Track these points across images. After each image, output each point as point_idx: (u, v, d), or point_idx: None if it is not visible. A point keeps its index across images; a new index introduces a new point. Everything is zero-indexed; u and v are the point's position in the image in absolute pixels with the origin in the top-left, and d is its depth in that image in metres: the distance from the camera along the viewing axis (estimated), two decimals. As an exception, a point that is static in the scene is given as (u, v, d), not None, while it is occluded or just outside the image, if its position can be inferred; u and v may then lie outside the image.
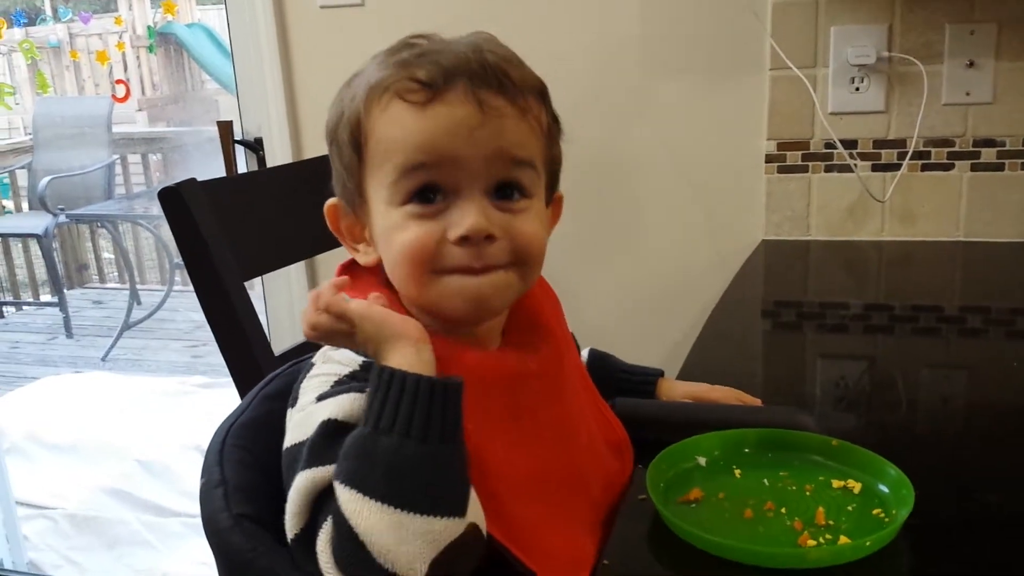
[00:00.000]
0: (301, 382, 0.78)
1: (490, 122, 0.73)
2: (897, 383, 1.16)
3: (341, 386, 0.73)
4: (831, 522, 0.75)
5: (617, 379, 1.03)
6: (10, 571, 2.57)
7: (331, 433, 0.69)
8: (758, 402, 0.98)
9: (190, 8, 6.92)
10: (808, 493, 0.80)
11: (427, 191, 0.74)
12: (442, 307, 0.76)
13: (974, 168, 1.64)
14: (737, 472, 0.85)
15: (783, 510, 0.78)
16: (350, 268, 0.82)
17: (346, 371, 0.75)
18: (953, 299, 1.52)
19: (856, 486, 0.80)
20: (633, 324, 1.86)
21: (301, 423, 0.73)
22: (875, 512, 0.76)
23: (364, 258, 0.81)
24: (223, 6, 2.05)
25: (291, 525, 0.69)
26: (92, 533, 2.88)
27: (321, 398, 0.73)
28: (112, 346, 4.68)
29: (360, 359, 0.75)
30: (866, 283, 1.65)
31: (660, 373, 1.04)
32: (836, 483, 0.81)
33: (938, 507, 0.78)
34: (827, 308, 1.49)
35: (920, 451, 0.93)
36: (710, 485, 0.82)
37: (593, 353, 1.06)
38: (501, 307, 0.80)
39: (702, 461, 0.86)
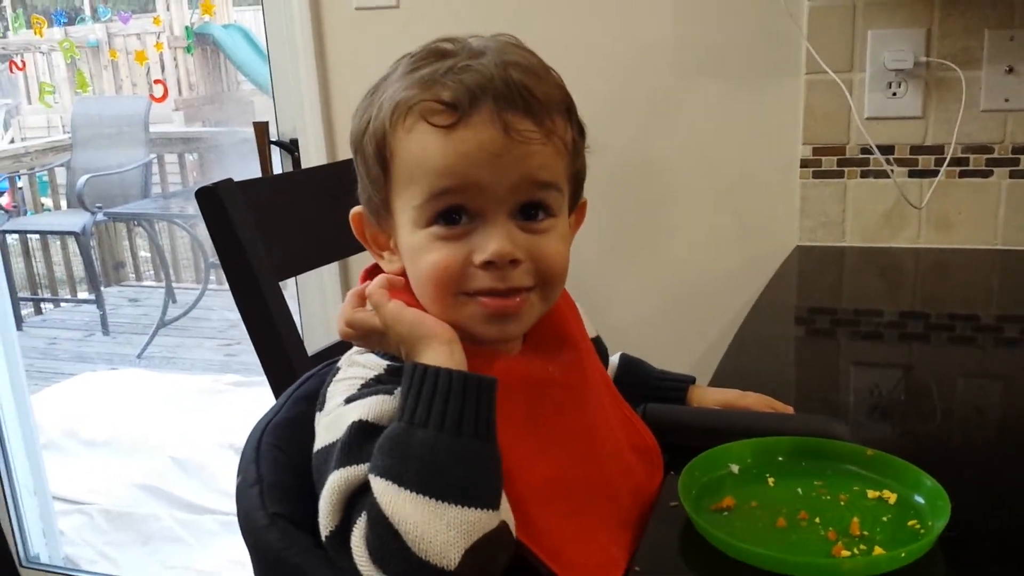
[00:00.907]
0: (328, 386, 0.79)
1: (515, 148, 0.73)
2: (932, 392, 1.15)
3: (367, 389, 0.75)
4: (866, 532, 0.75)
5: (648, 385, 1.03)
6: (47, 565, 2.61)
7: (362, 433, 0.71)
8: (790, 410, 0.97)
9: (226, 9, 6.98)
10: (842, 503, 0.80)
11: (452, 213, 0.75)
12: (465, 328, 0.76)
13: (1013, 175, 1.62)
14: (770, 480, 0.84)
15: (817, 520, 0.77)
16: (373, 273, 0.83)
17: (372, 374, 0.77)
18: (990, 308, 1.50)
19: (891, 497, 0.79)
20: (666, 329, 1.85)
21: (330, 426, 0.74)
22: (911, 523, 0.75)
23: (388, 266, 0.82)
24: (259, 7, 2.07)
25: (325, 524, 0.70)
26: (127, 529, 2.92)
27: (349, 400, 0.74)
28: (148, 344, 4.73)
29: (385, 363, 0.77)
30: (901, 290, 1.64)
31: (691, 380, 1.04)
32: (871, 493, 0.80)
33: (974, 519, 0.77)
34: (861, 315, 1.47)
35: (956, 462, 0.92)
36: (743, 493, 0.82)
37: (624, 358, 1.06)
38: (523, 330, 0.81)
39: (735, 469, 0.85)
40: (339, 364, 0.81)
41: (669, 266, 1.85)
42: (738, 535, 0.75)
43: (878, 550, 0.72)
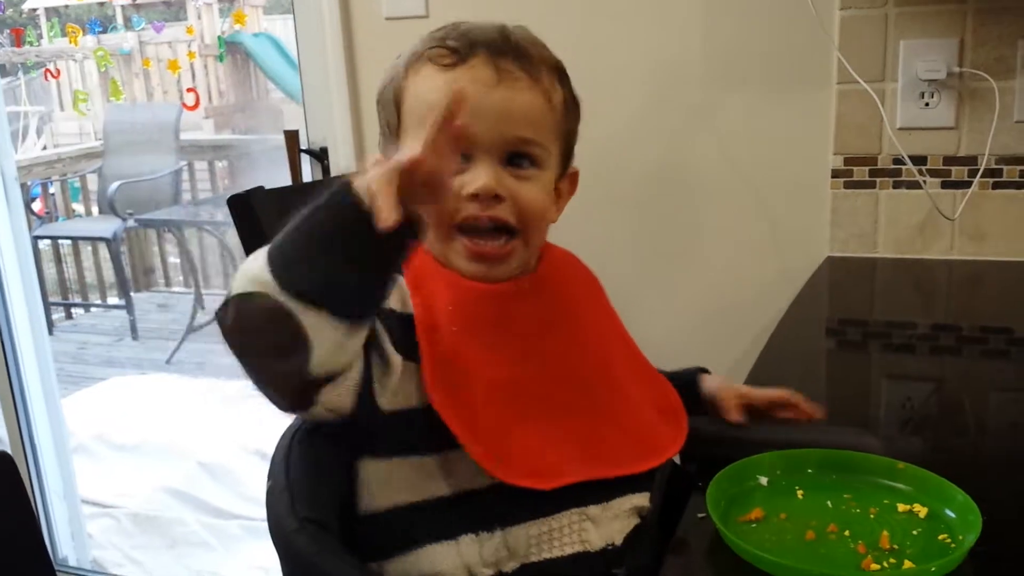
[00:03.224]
0: None
1: (504, 82, 0.84)
2: (965, 406, 1.14)
3: None
4: (895, 546, 0.74)
5: None
6: (75, 568, 2.63)
7: None
8: (817, 412, 0.96)
9: (257, 18, 7.03)
10: (872, 516, 0.79)
11: None
12: (452, 264, 0.87)
13: (1047, 187, 1.60)
14: (800, 493, 0.84)
15: (846, 533, 0.77)
16: None
17: None
18: (1023, 321, 1.49)
19: (922, 510, 0.79)
20: (695, 340, 1.84)
21: None
22: (941, 537, 0.75)
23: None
24: (290, 16, 2.08)
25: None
26: (154, 533, 2.93)
27: None
28: (176, 349, 4.77)
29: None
30: (934, 302, 1.62)
31: (698, 371, 1.05)
32: (901, 507, 0.80)
33: (1006, 534, 0.76)
34: (893, 327, 1.46)
35: (988, 476, 0.91)
36: (772, 505, 0.82)
37: None
38: (509, 273, 0.88)
39: (763, 481, 0.85)
40: None
41: (700, 276, 1.84)
42: (767, 548, 0.75)
43: (908, 564, 0.71)
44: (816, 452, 0.87)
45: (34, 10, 6.86)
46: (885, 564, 0.72)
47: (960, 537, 0.74)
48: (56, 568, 2.55)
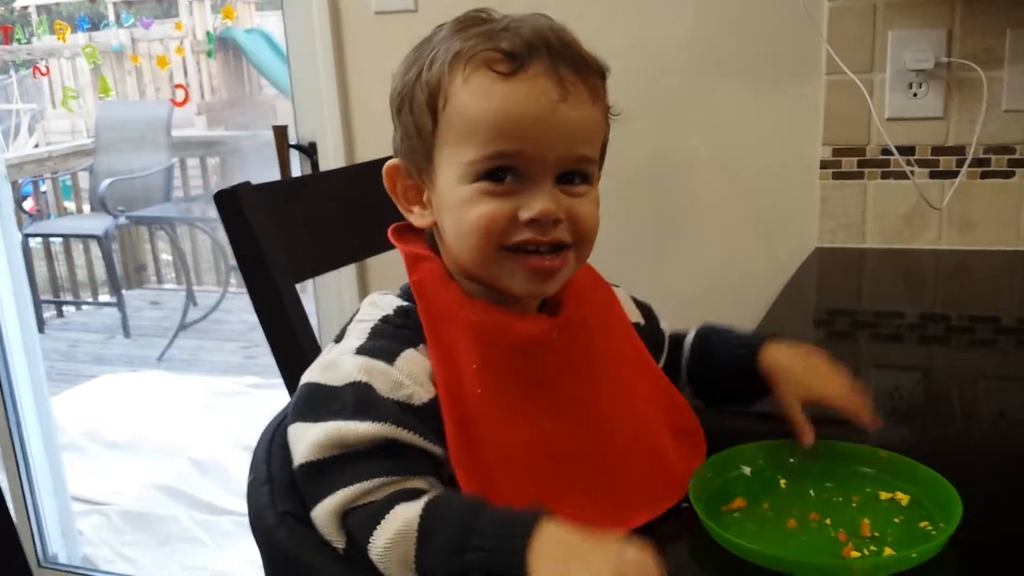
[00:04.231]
0: (349, 323, 0.83)
1: (568, 99, 0.77)
2: (953, 395, 1.14)
3: (376, 334, 0.79)
4: (876, 534, 0.74)
5: (723, 357, 0.98)
6: (65, 565, 2.62)
7: (356, 392, 0.74)
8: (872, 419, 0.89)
9: (250, 14, 7.01)
10: (854, 504, 0.79)
11: (500, 172, 0.77)
12: (502, 283, 0.80)
13: (1036, 176, 1.60)
14: (782, 482, 0.84)
15: (827, 521, 0.77)
16: (401, 232, 0.86)
17: (380, 315, 0.80)
18: (1012, 310, 1.48)
19: (904, 498, 0.79)
20: (683, 331, 1.84)
21: (331, 365, 0.77)
22: (922, 525, 0.75)
23: (419, 220, 0.84)
24: (281, 11, 2.07)
25: (302, 455, 0.75)
26: (145, 530, 2.93)
27: (360, 351, 0.77)
28: (168, 346, 4.75)
29: (396, 303, 0.81)
30: (922, 292, 1.62)
31: (760, 342, 0.96)
32: (883, 495, 0.80)
33: (989, 521, 0.76)
34: (881, 317, 1.46)
35: (974, 464, 0.91)
36: (754, 495, 0.82)
37: (701, 333, 1.03)
38: (557, 287, 0.82)
39: (747, 471, 0.85)
40: (361, 304, 0.85)
41: (688, 267, 1.84)
42: (748, 537, 0.75)
43: (888, 551, 0.71)
44: (796, 443, 0.87)
45: (25, 8, 6.84)
46: (865, 551, 0.72)
47: (941, 524, 0.74)
48: (46, 565, 2.56)
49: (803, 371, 0.92)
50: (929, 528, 0.74)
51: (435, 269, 0.82)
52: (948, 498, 0.75)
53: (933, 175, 1.64)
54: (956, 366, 1.25)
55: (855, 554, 0.71)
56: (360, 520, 0.71)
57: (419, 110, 0.80)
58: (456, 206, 0.78)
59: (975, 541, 0.72)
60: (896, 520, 0.76)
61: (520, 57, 0.76)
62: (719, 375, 0.97)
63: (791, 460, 0.86)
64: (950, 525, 0.71)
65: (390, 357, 0.76)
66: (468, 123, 0.77)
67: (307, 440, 0.74)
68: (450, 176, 0.79)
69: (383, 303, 0.82)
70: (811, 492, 0.82)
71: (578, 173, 0.80)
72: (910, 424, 1.06)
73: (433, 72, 0.79)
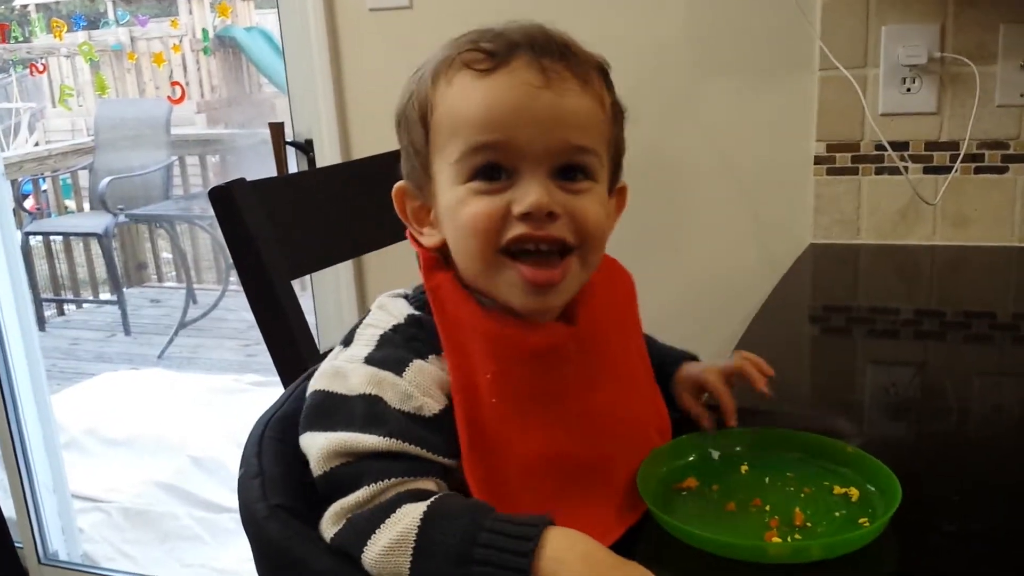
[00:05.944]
0: (357, 326, 0.81)
1: (552, 85, 0.75)
2: (946, 390, 1.14)
3: (385, 343, 0.77)
4: (808, 524, 0.75)
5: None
6: (65, 562, 2.63)
7: (367, 404, 0.73)
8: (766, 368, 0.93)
9: (248, 11, 7.01)
10: (802, 495, 0.80)
11: (491, 170, 0.76)
12: (503, 295, 0.78)
13: (1029, 171, 1.61)
14: (743, 468, 0.85)
15: (767, 507, 0.78)
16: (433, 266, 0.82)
17: (391, 324, 0.78)
18: (1006, 305, 1.49)
19: (855, 494, 0.79)
20: (678, 326, 1.82)
21: (341, 373, 0.76)
22: (861, 521, 0.75)
23: (428, 240, 0.82)
24: (276, 9, 2.08)
25: (316, 466, 0.74)
26: (145, 527, 2.94)
27: (369, 360, 0.76)
28: (168, 344, 4.76)
29: (408, 311, 0.79)
30: (916, 288, 1.63)
31: (684, 358, 1.00)
32: (837, 489, 0.80)
33: (981, 516, 0.77)
34: (876, 313, 1.47)
35: (967, 459, 0.92)
36: (709, 476, 0.83)
37: None
38: (564, 300, 0.80)
39: (715, 455, 0.87)
40: (371, 306, 0.83)
41: (682, 263, 1.85)
42: (679, 515, 0.76)
43: (798, 537, 0.73)
44: (775, 432, 0.88)
45: (25, 6, 6.84)
46: (789, 539, 0.73)
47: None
48: (47, 562, 2.57)
49: (696, 369, 0.96)
50: (866, 523, 0.74)
51: (451, 278, 0.80)
52: (893, 495, 0.74)
53: (927, 170, 1.65)
54: (950, 362, 1.25)
55: (776, 540, 0.73)
56: (361, 521, 0.71)
57: (413, 125, 0.80)
58: (451, 209, 0.78)
59: (960, 536, 0.73)
60: (837, 514, 0.77)
61: (500, 54, 0.75)
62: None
63: (764, 449, 0.87)
64: (877, 523, 0.72)
65: (399, 367, 0.75)
66: (453, 123, 0.76)
67: (317, 447, 0.74)
68: (444, 182, 0.78)
69: (395, 310, 0.80)
70: (767, 479, 0.83)
71: (578, 167, 0.77)
72: (904, 419, 1.06)
73: (421, 86, 0.79)
